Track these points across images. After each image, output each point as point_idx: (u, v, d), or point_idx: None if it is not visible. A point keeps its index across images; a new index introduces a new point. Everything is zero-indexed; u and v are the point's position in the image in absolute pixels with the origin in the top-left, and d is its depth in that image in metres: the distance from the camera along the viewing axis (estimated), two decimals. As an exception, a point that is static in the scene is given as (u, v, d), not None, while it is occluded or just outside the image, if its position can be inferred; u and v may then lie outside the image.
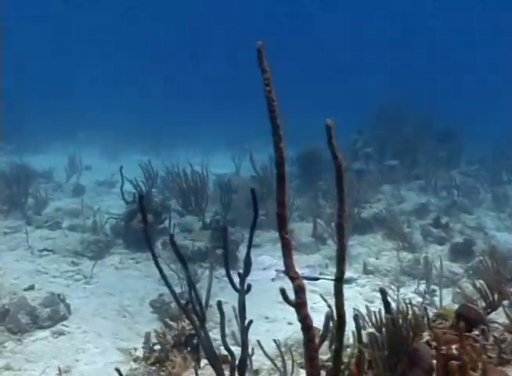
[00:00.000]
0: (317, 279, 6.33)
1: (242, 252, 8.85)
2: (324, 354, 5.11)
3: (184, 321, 4.02)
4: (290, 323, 6.35)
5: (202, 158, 18.24)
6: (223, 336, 3.20)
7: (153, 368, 3.90)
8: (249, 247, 3.13)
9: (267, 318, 6.25)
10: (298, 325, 6.49)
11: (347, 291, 7.52)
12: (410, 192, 12.63)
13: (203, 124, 24.99)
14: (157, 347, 4.08)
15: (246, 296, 3.20)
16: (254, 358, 4.46)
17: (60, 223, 9.88)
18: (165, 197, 11.05)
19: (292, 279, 1.99)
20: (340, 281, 2.05)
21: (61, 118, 23.76)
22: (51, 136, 22.26)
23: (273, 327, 6.13)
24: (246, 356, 3.23)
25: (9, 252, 8.43)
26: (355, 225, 9.26)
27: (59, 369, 5.04)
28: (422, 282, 7.70)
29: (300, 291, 1.99)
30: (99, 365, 5.32)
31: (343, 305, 2.12)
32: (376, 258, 8.42)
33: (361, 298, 7.25)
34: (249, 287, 3.14)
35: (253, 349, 4.52)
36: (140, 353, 4.22)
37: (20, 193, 10.75)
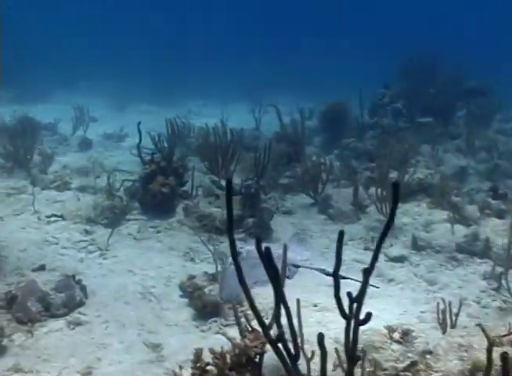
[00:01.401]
0: (344, 278, 5.15)
1: (275, 221, 7.85)
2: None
3: (247, 337, 3.10)
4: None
5: (215, 110, 17.09)
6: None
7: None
8: (374, 258, 2.18)
9: (315, 306, 5.35)
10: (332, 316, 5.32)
11: (399, 270, 6.61)
12: (447, 153, 11.59)
13: (213, 74, 23.64)
14: (210, 367, 3.18)
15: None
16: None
17: (69, 183, 8.91)
18: (183, 156, 10.03)
19: None
20: None
21: (62, 68, 22.39)
22: (52, 85, 21.03)
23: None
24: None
25: (13, 218, 7.47)
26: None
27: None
28: (482, 261, 6.82)
29: None
30: (125, 365, 4.44)
31: None
32: (426, 232, 7.48)
33: (417, 280, 6.32)
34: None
35: (313, 353, 3.64)
36: (186, 373, 3.32)
37: (25, 148, 9.70)
